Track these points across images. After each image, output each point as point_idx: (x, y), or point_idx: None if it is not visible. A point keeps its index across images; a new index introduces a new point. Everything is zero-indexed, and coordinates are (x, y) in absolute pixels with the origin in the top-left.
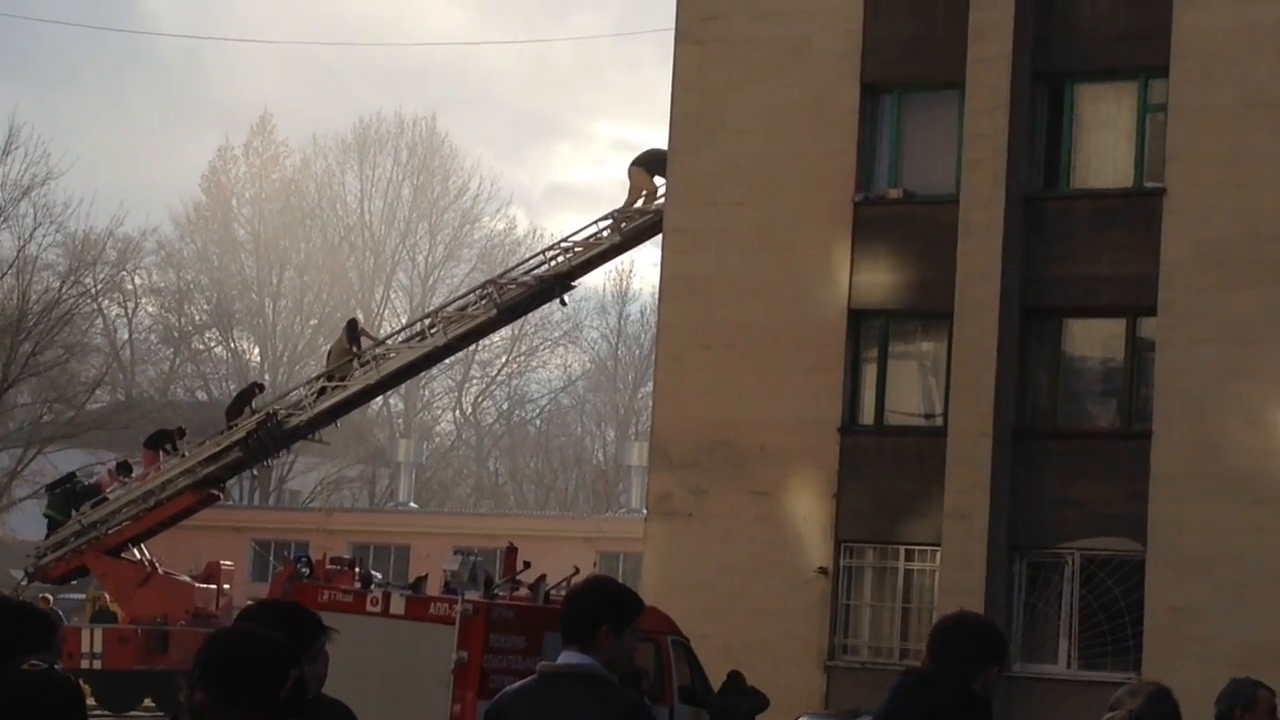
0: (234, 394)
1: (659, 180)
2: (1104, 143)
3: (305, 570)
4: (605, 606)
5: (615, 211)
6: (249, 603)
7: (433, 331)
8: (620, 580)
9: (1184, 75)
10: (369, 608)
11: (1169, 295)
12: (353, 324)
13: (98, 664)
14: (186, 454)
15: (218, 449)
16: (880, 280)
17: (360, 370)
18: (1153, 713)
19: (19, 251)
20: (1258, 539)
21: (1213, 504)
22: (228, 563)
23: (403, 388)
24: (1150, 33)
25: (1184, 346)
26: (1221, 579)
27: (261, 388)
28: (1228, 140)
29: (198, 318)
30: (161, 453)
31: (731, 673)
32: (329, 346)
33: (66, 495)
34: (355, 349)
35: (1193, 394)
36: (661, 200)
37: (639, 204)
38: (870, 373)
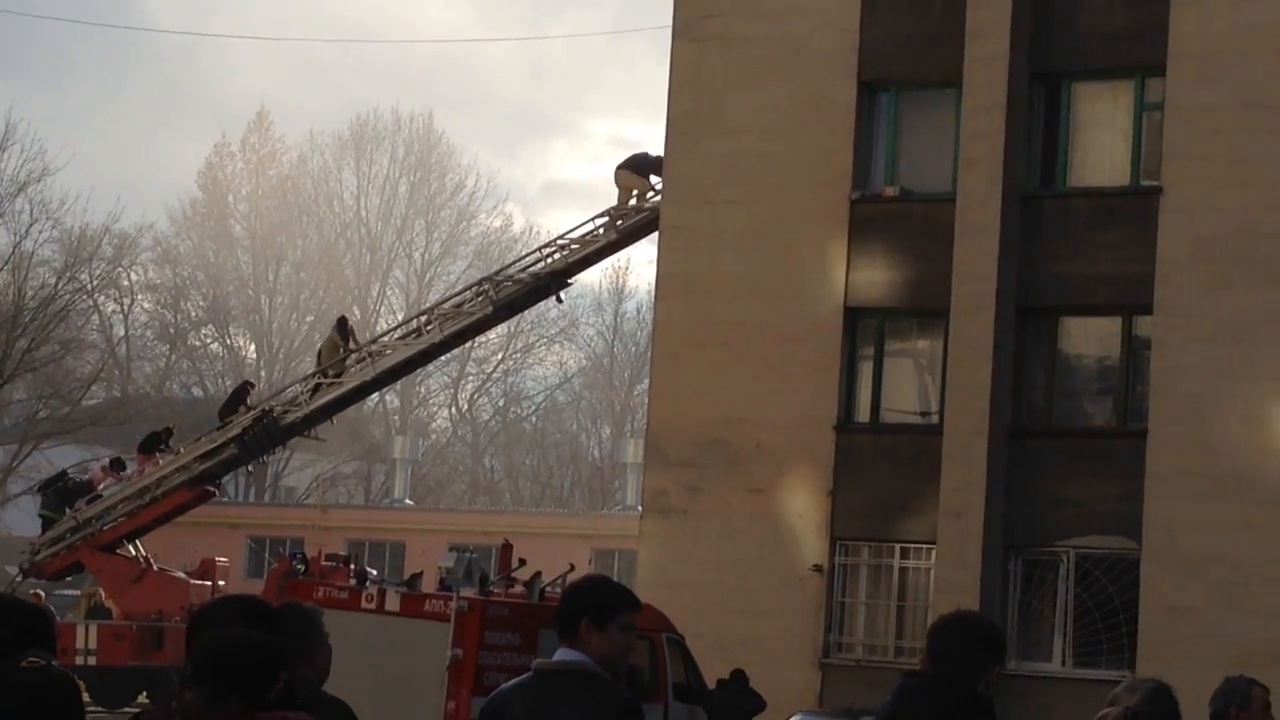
0: (229, 391)
1: (654, 179)
2: (1101, 141)
3: (300, 567)
4: (585, 601)
5: (611, 209)
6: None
7: (429, 328)
8: (615, 578)
9: (1181, 74)
10: (364, 604)
11: (1165, 294)
12: (343, 321)
13: (92, 660)
14: (182, 450)
15: (213, 445)
16: (876, 278)
17: (356, 367)
18: (1149, 711)
19: (15, 247)
20: (1253, 538)
21: (1208, 503)
22: (223, 559)
23: (398, 384)
24: (1147, 32)
25: (1180, 345)
26: (1216, 577)
27: (253, 385)
28: (1225, 139)
29: (194, 314)
30: (157, 454)
31: (735, 671)
32: (320, 345)
33: (60, 493)
34: (345, 346)
35: (1189, 393)
36: (655, 198)
37: (632, 203)
38: (866, 371)
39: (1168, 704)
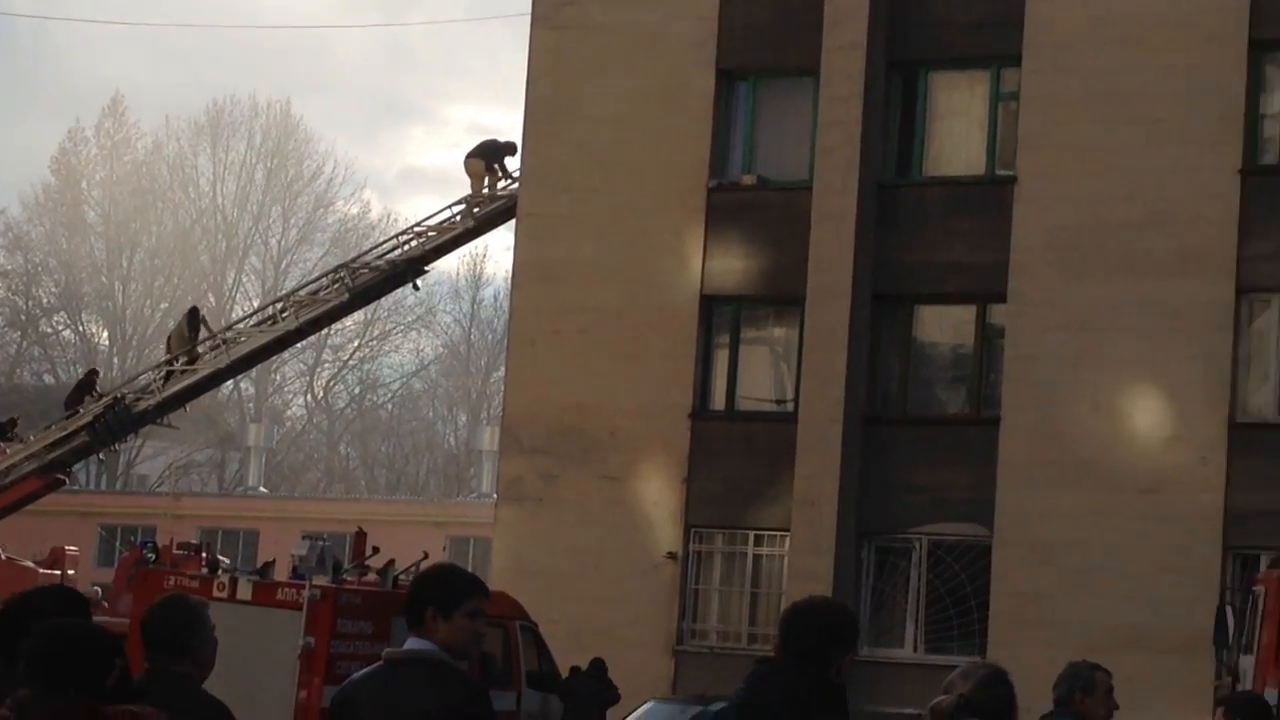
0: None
1: (510, 161)
2: (956, 131)
3: (151, 555)
4: (430, 590)
5: (468, 196)
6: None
7: (284, 315)
8: (470, 565)
9: (1035, 64)
10: (215, 593)
11: (1019, 283)
12: (194, 312)
13: None
14: (32, 438)
15: (64, 433)
16: (733, 266)
17: (210, 354)
18: (984, 696)
19: None
20: (1102, 524)
21: (1058, 490)
22: (73, 548)
23: (254, 371)
24: (1002, 22)
25: (1033, 334)
26: (1066, 564)
27: (98, 374)
28: (1078, 129)
29: (45, 300)
30: (3, 445)
31: (595, 660)
32: (169, 334)
33: None
34: (194, 336)
35: (1041, 381)
36: (507, 184)
37: (487, 191)
38: (722, 358)
39: (1003, 689)
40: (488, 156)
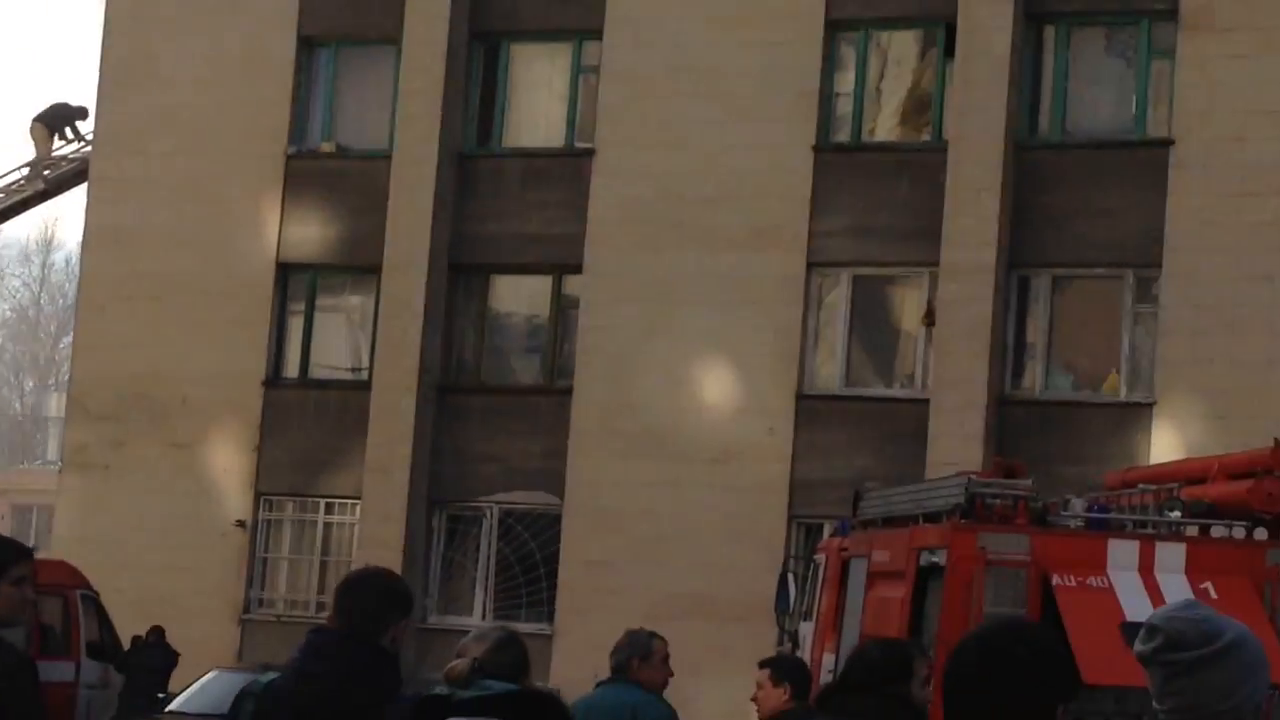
0: None
1: (82, 126)
2: (537, 102)
3: None
4: None
5: (36, 159)
6: None
7: None
8: (33, 534)
9: (616, 38)
10: None
11: (595, 254)
12: None
13: None
14: None
15: None
16: (310, 234)
17: None
18: (497, 660)
19: None
20: (670, 494)
21: (629, 460)
22: None
23: None
24: None
25: (606, 305)
26: (635, 533)
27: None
28: (655, 104)
29: None
30: None
31: (154, 628)
32: None
33: None
34: None
35: (613, 352)
36: (79, 148)
37: (60, 152)
38: (297, 326)
39: (514, 651)
40: (54, 122)
